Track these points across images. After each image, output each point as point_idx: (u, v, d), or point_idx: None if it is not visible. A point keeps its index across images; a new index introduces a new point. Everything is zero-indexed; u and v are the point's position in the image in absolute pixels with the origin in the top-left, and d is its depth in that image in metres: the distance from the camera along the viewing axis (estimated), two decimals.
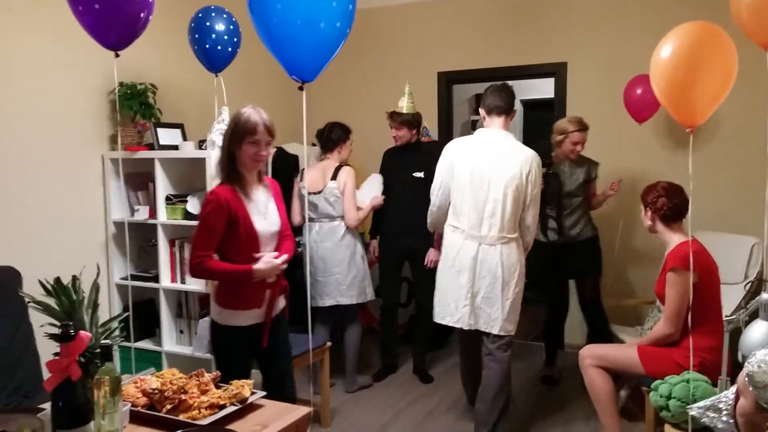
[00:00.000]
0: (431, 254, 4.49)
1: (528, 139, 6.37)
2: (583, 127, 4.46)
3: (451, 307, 3.63)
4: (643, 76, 4.83)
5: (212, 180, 3.83)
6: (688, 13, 3.95)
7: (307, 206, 4.40)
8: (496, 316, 3.51)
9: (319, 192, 4.40)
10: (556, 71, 5.40)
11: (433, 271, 3.95)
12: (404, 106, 4.59)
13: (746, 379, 2.05)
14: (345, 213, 4.38)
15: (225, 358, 2.91)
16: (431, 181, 3.81)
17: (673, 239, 3.25)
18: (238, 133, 2.73)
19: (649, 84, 4.73)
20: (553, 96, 5.54)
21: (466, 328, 3.58)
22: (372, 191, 4.63)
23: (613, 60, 5.13)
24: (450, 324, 3.66)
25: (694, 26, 2.51)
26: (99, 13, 2.81)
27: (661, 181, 3.36)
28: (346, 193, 4.35)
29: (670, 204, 3.24)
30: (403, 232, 4.66)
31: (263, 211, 2.88)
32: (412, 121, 4.60)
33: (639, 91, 4.77)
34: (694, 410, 2.55)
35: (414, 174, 4.60)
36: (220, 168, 2.84)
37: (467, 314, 3.56)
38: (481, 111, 3.79)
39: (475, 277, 3.52)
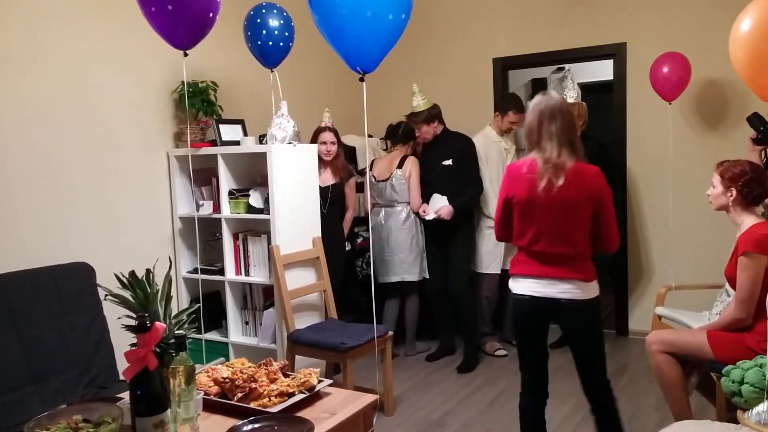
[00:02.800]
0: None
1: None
2: None
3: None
4: (670, 54, 4.71)
5: (276, 172, 3.90)
6: None
7: (375, 192, 4.95)
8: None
9: (386, 179, 4.83)
10: (616, 53, 5.28)
11: (464, 259, 4.91)
12: (417, 104, 4.78)
13: None
14: (411, 198, 4.80)
15: None
16: (460, 169, 4.73)
17: (746, 221, 3.14)
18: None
19: (676, 62, 4.67)
20: (611, 78, 5.43)
21: None
22: (437, 204, 4.80)
23: (675, 38, 4.98)
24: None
25: None
26: (171, 15, 2.89)
27: (745, 160, 3.22)
28: (412, 180, 4.80)
29: (762, 189, 3.12)
30: (436, 219, 4.81)
31: None
32: (428, 116, 4.77)
33: (666, 70, 4.68)
34: None
35: (443, 162, 4.80)
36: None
37: None
38: (517, 116, 4.90)
39: None
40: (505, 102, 5.06)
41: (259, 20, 3.93)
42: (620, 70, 5.29)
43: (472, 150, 4.85)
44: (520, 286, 2.89)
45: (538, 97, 2.84)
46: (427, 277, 4.98)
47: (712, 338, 3.13)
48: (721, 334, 3.13)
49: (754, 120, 3.93)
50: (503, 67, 5.81)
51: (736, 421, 2.69)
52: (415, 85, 4.86)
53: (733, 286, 3.15)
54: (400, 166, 4.85)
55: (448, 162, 4.77)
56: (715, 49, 4.71)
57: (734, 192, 3.14)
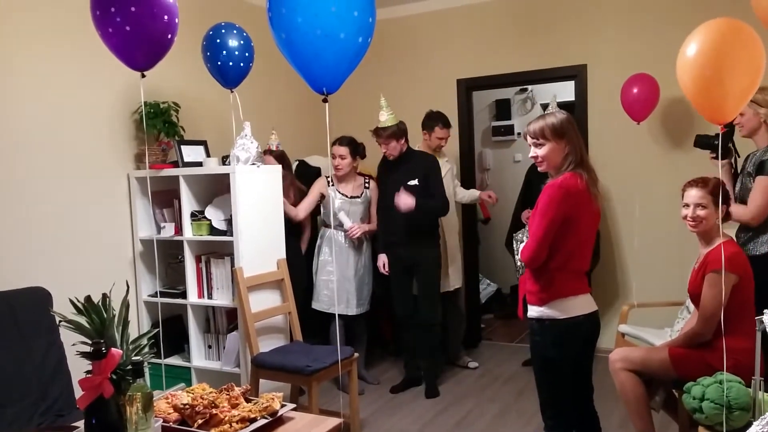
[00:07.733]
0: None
1: None
2: None
3: None
4: (640, 75, 4.81)
5: (239, 194, 3.87)
6: (710, 10, 3.90)
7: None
8: None
9: None
10: (577, 74, 5.37)
11: (433, 283, 4.71)
12: (386, 119, 4.60)
13: None
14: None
15: None
16: (426, 188, 4.52)
17: (717, 239, 3.16)
18: None
19: (645, 83, 4.78)
20: (573, 99, 5.52)
21: None
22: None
23: (634, 60, 5.08)
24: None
25: (719, 23, 2.47)
26: (128, 35, 2.83)
27: (709, 176, 3.23)
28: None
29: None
30: (401, 242, 4.67)
31: None
32: (398, 131, 4.61)
33: (635, 91, 4.77)
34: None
35: (409, 183, 4.59)
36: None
37: None
38: (443, 131, 4.99)
39: None
40: (429, 119, 5.00)
41: (218, 40, 3.89)
42: (581, 91, 5.38)
43: (437, 169, 4.70)
44: (578, 306, 2.75)
45: (565, 115, 2.76)
46: (333, 311, 4.69)
47: (673, 355, 3.16)
48: (683, 351, 3.16)
49: (702, 141, 3.88)
50: (467, 88, 5.86)
51: None
52: (383, 99, 4.68)
53: (697, 303, 3.18)
54: None
55: (414, 182, 4.57)
56: (672, 69, 4.81)
57: (725, 208, 3.15)
